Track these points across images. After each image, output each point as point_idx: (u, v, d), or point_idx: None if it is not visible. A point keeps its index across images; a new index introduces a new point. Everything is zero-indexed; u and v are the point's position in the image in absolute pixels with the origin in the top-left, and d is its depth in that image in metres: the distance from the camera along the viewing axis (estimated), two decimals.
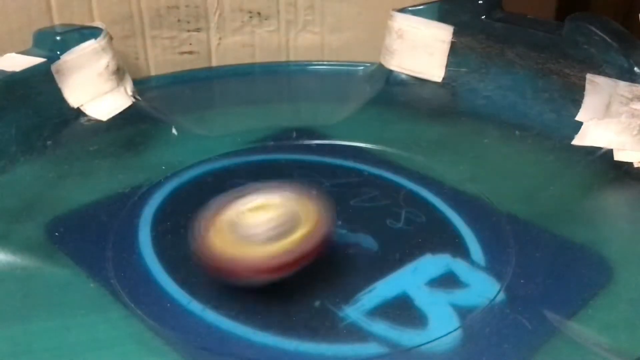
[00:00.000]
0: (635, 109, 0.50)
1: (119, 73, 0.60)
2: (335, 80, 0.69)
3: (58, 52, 0.56)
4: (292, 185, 0.40)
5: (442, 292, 0.39)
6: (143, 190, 0.50)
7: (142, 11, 0.68)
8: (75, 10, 0.64)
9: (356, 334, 0.36)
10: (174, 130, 0.57)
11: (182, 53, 0.71)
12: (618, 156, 0.51)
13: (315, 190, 0.40)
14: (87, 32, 0.58)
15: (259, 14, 0.71)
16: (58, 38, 0.57)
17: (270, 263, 0.36)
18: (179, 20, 0.69)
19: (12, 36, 0.61)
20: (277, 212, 0.37)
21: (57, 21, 0.63)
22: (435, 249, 0.43)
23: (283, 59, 0.73)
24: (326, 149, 0.55)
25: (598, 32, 0.53)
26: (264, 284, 0.37)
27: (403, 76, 0.64)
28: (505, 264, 0.42)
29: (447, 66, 0.62)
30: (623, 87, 0.51)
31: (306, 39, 0.72)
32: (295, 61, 0.72)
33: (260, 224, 0.37)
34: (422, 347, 0.36)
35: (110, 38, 0.60)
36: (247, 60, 0.72)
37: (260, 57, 0.72)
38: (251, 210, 0.38)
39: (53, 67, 0.56)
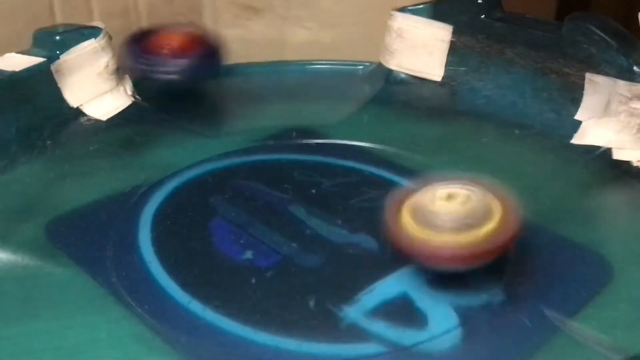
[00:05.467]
0: (635, 108, 0.50)
1: (119, 72, 0.60)
2: (334, 80, 0.69)
3: (58, 52, 0.56)
4: (478, 179, 0.40)
5: (442, 292, 0.39)
6: (143, 189, 0.50)
7: (138, 5, 0.68)
8: (76, 6, 0.64)
9: (356, 334, 0.37)
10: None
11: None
12: (617, 155, 0.51)
13: (501, 188, 0.40)
14: (86, 32, 0.58)
15: (252, 8, 0.71)
16: (58, 38, 0.57)
17: (458, 252, 0.36)
18: (172, 14, 0.69)
19: (15, 36, 0.61)
20: (465, 204, 0.37)
21: (59, 21, 0.64)
22: None
23: (277, 53, 0.73)
24: (326, 149, 0.55)
25: (597, 31, 0.53)
26: (443, 271, 0.39)
27: (402, 75, 0.64)
28: (504, 263, 0.42)
29: (446, 65, 0.62)
30: (622, 86, 0.51)
31: (301, 34, 0.72)
32: (295, 60, 0.72)
33: (449, 213, 0.37)
34: (423, 345, 0.36)
35: (110, 37, 0.60)
36: (241, 54, 0.72)
37: (254, 52, 0.72)
38: (440, 199, 0.38)
39: (53, 67, 0.56)
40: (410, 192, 0.39)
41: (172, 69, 0.59)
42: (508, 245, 0.38)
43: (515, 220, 0.38)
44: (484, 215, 0.37)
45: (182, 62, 0.59)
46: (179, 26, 0.62)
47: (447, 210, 0.37)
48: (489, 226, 0.37)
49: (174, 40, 0.60)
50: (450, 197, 0.38)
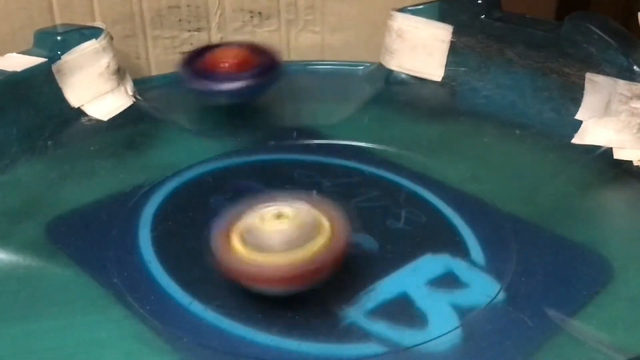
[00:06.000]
0: (635, 108, 0.50)
1: (120, 73, 0.60)
2: (335, 80, 0.69)
3: (59, 52, 0.56)
4: (305, 195, 0.40)
5: (442, 292, 0.39)
6: (144, 189, 0.50)
7: (143, 11, 0.68)
8: (76, 10, 0.64)
9: (356, 334, 0.37)
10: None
11: (183, 53, 0.71)
12: (618, 154, 0.51)
13: (329, 201, 0.39)
14: (87, 32, 0.59)
15: (259, 13, 0.71)
16: (59, 38, 0.57)
17: (289, 273, 0.36)
18: (180, 20, 0.69)
19: (13, 36, 0.61)
20: (293, 222, 0.37)
21: (58, 21, 0.64)
22: (435, 248, 0.43)
23: (284, 58, 0.72)
24: (326, 149, 0.55)
25: (597, 31, 0.53)
26: (278, 295, 0.38)
27: (403, 76, 0.64)
28: (505, 263, 0.42)
29: (446, 66, 0.62)
30: (622, 85, 0.51)
31: (307, 39, 0.72)
32: (295, 61, 0.72)
33: (277, 232, 0.36)
34: (423, 345, 0.36)
35: (111, 38, 0.60)
36: None
37: None
38: (267, 219, 0.37)
39: (54, 67, 0.56)
40: (239, 214, 0.39)
41: (233, 86, 0.57)
42: (337, 262, 0.37)
43: (344, 236, 0.37)
44: (313, 233, 0.37)
45: (243, 77, 0.57)
46: (234, 43, 0.61)
47: (275, 229, 0.37)
48: (318, 243, 0.36)
49: (231, 56, 0.58)
50: (278, 216, 0.37)
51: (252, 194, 0.40)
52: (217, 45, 0.61)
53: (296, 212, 0.37)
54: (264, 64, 0.58)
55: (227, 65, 0.57)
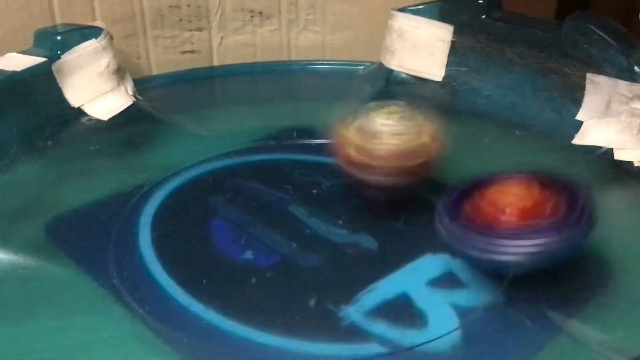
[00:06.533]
0: (635, 108, 0.50)
1: (120, 72, 0.60)
2: (335, 80, 0.69)
3: (59, 52, 0.56)
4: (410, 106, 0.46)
5: (442, 292, 0.39)
6: (144, 190, 0.50)
7: (143, 11, 0.68)
8: (77, 9, 0.64)
9: (356, 334, 0.37)
10: None
11: (184, 52, 0.71)
12: (618, 155, 0.51)
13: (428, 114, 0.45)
14: (87, 32, 0.59)
15: (260, 13, 0.71)
16: (59, 38, 0.57)
17: (395, 153, 0.43)
18: (180, 20, 0.69)
19: (14, 35, 0.61)
20: (402, 119, 0.44)
21: (59, 21, 0.64)
22: (435, 249, 0.42)
23: (284, 58, 0.73)
24: (326, 149, 0.55)
25: (598, 31, 0.53)
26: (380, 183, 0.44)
27: (403, 75, 0.64)
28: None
29: (447, 65, 0.62)
30: (623, 86, 0.51)
31: (307, 39, 0.72)
32: (296, 61, 0.72)
33: (389, 124, 0.44)
34: (423, 346, 0.36)
35: (111, 37, 0.60)
36: (248, 59, 0.72)
37: (261, 57, 0.72)
38: (380, 114, 0.44)
39: (54, 67, 0.56)
40: (355, 115, 0.45)
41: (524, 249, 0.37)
42: (437, 156, 0.44)
43: (442, 139, 0.44)
44: (418, 131, 0.44)
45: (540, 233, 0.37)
46: (517, 174, 0.40)
47: (386, 122, 0.44)
48: (423, 139, 0.43)
49: (517, 200, 0.38)
50: (390, 112, 0.44)
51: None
52: (487, 180, 0.41)
53: (404, 113, 0.45)
54: (568, 210, 0.38)
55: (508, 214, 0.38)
